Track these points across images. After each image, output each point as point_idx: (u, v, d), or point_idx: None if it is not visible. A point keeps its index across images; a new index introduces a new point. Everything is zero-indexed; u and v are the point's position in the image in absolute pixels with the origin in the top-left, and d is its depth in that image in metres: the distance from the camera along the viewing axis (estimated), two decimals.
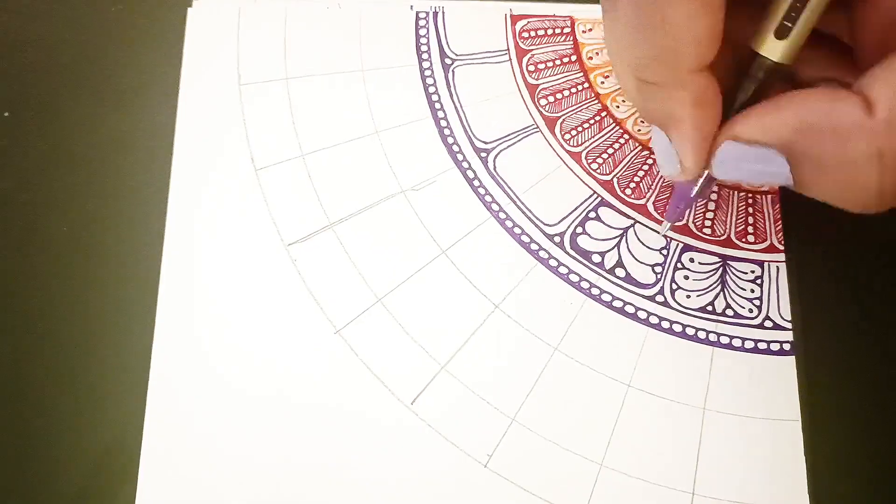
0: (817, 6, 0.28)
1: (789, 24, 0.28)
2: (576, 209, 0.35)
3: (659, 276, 0.33)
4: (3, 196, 0.34)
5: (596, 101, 0.36)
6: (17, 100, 0.36)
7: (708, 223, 0.34)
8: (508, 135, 0.36)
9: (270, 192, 0.34)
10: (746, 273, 0.33)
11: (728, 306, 0.33)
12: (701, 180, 0.30)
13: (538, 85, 0.36)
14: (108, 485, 0.31)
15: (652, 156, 0.35)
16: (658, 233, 0.34)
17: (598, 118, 0.36)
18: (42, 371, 0.32)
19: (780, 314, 0.33)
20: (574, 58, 0.37)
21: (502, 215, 0.34)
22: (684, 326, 0.33)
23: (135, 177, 0.35)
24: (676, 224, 0.34)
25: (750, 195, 0.34)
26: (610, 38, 0.30)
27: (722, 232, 0.34)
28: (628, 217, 0.34)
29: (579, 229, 0.34)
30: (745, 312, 0.33)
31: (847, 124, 0.27)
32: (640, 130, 0.36)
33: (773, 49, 0.28)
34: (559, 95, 0.36)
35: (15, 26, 0.37)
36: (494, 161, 0.35)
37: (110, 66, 0.36)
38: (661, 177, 0.35)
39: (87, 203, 0.34)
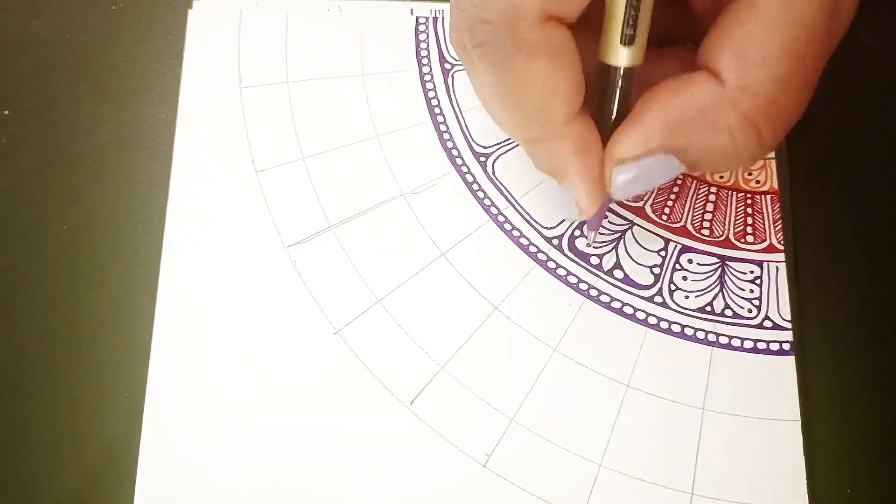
0: (647, 8, 0.28)
1: (631, 31, 0.28)
2: None
3: (657, 276, 0.34)
4: (3, 196, 0.34)
5: None
6: (17, 99, 0.36)
7: (706, 224, 0.34)
8: (507, 139, 0.36)
9: (271, 193, 0.35)
10: (745, 273, 0.34)
11: (727, 306, 0.33)
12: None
13: None
14: (107, 485, 0.31)
15: None
16: (654, 233, 0.34)
17: None
18: (42, 371, 0.32)
19: (779, 314, 0.33)
20: None
21: (501, 218, 0.35)
22: (683, 327, 0.33)
23: (135, 177, 0.35)
24: (672, 225, 0.34)
25: (749, 196, 0.35)
26: (481, 99, 0.31)
27: (721, 233, 0.34)
28: (626, 219, 0.34)
29: (577, 232, 0.34)
30: (744, 312, 0.33)
31: (708, 103, 0.28)
32: None
33: (622, 56, 0.29)
34: None
35: (15, 26, 0.37)
36: (493, 165, 0.35)
37: (110, 66, 0.36)
38: None
39: (87, 203, 0.34)
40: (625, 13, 0.28)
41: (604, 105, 0.30)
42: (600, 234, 0.34)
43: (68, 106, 0.36)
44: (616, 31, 0.28)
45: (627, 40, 0.28)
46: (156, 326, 0.33)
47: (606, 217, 0.34)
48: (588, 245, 0.34)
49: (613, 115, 0.30)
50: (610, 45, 0.29)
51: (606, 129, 0.30)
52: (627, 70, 0.29)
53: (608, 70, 0.29)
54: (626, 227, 0.34)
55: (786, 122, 0.29)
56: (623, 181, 0.30)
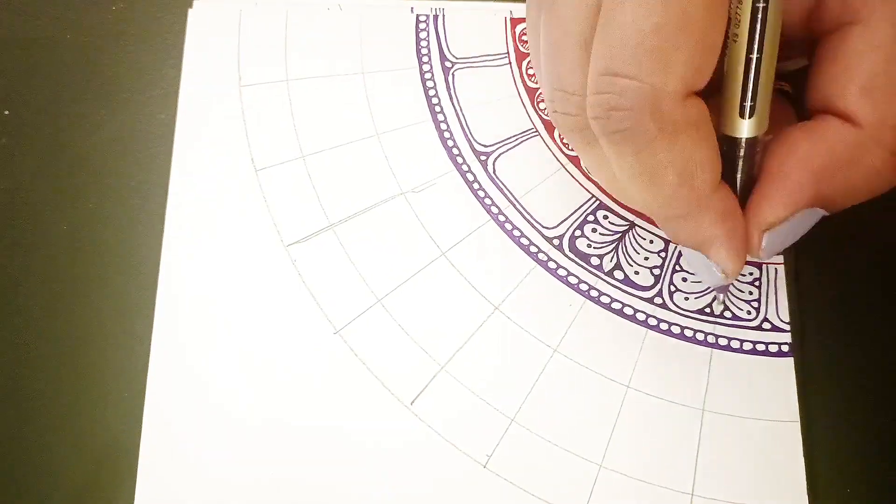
0: (768, 76, 0.27)
1: (751, 103, 0.28)
2: (574, 212, 0.35)
3: (658, 278, 0.34)
4: (3, 196, 0.34)
5: None
6: (18, 99, 0.36)
7: None
8: (508, 138, 0.36)
9: (270, 192, 0.35)
10: (745, 275, 0.34)
11: (726, 308, 0.33)
12: None
13: (538, 88, 0.36)
14: (108, 485, 0.31)
15: None
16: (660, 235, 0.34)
17: None
18: (42, 371, 0.32)
19: (778, 316, 0.33)
20: None
21: (501, 218, 0.35)
22: (683, 328, 0.33)
23: (135, 177, 0.35)
24: None
25: None
26: (607, 183, 0.30)
27: None
28: (626, 220, 0.34)
29: (578, 232, 0.34)
30: (743, 314, 0.33)
31: (851, 150, 0.28)
32: None
33: (743, 127, 0.28)
34: None
35: (15, 26, 0.37)
36: (494, 164, 0.35)
37: (110, 66, 0.36)
38: None
39: (87, 203, 0.34)
40: (742, 85, 0.27)
41: (729, 170, 0.29)
42: (600, 234, 0.34)
43: (68, 106, 0.36)
44: (735, 104, 0.28)
45: (746, 113, 0.28)
46: (156, 326, 0.33)
47: (608, 219, 0.34)
48: (718, 313, 0.33)
49: (739, 181, 0.29)
50: (729, 114, 0.28)
51: (736, 192, 0.29)
52: (750, 140, 0.28)
53: (732, 141, 0.29)
54: (627, 227, 0.34)
55: None
56: (774, 243, 0.29)
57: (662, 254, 0.34)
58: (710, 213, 0.28)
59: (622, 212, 0.34)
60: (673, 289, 0.33)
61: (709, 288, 0.33)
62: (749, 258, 0.30)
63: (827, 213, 0.29)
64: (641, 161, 0.27)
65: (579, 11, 0.27)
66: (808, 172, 0.28)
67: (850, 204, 0.30)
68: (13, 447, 0.31)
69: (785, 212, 0.29)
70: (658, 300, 0.33)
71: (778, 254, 0.31)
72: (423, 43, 0.37)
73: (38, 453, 0.31)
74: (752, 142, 0.29)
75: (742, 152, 0.29)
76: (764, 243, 0.29)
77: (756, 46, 0.27)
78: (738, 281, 0.33)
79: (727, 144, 0.29)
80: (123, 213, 0.34)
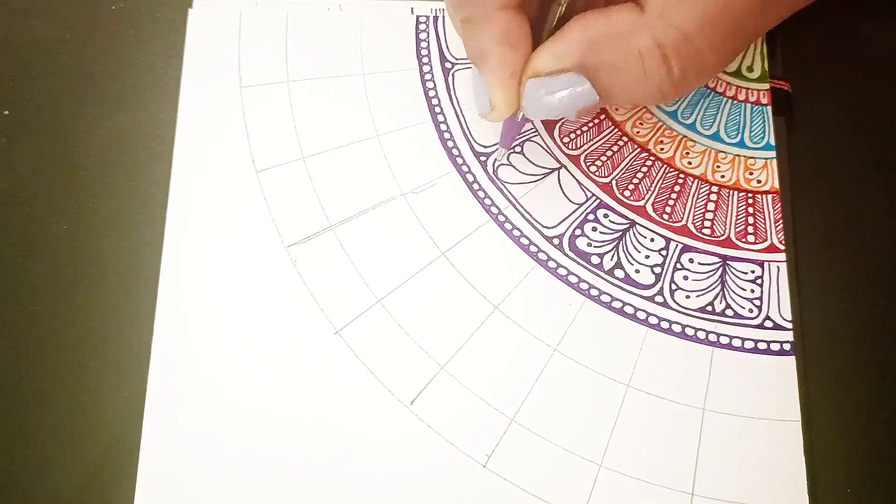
0: None
1: None
2: (574, 212, 0.35)
3: (658, 276, 0.34)
4: (3, 196, 0.34)
5: None
6: (17, 99, 0.36)
7: (707, 223, 0.34)
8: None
9: (271, 193, 0.35)
10: (746, 273, 0.33)
11: (728, 306, 0.33)
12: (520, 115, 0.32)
13: None
14: (107, 485, 0.31)
15: (651, 157, 0.35)
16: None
17: (597, 120, 0.36)
18: (42, 371, 0.32)
19: (780, 314, 0.33)
20: None
21: (501, 218, 0.34)
22: (684, 327, 0.33)
23: (135, 177, 0.35)
24: (673, 224, 0.34)
25: (750, 195, 0.35)
26: None
27: (722, 232, 0.34)
28: (627, 218, 0.34)
29: (578, 231, 0.34)
30: (745, 312, 0.33)
31: (626, 26, 0.30)
32: (638, 132, 0.36)
33: None
34: None
35: (15, 26, 0.37)
36: (494, 164, 0.35)
37: (110, 66, 0.36)
38: (660, 178, 0.35)
39: (87, 203, 0.34)
40: None
41: (543, 21, 0.31)
42: (601, 233, 0.34)
43: (68, 106, 0.36)
44: None
45: None
46: (156, 326, 0.33)
47: (608, 217, 0.34)
48: (494, 162, 0.35)
49: (544, 33, 0.31)
50: None
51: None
52: None
53: None
54: (627, 226, 0.34)
55: (698, 66, 0.30)
56: (535, 95, 0.31)
57: (663, 252, 0.34)
58: (492, 27, 0.30)
59: (623, 210, 0.34)
60: (674, 287, 0.33)
61: (708, 288, 0.33)
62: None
63: (597, 99, 0.31)
64: None
65: None
66: (582, 35, 0.30)
67: (618, 96, 0.31)
68: (13, 447, 0.31)
69: (551, 64, 0.30)
70: (659, 298, 0.33)
71: (542, 119, 0.33)
72: (424, 44, 0.37)
73: (38, 453, 0.31)
74: None
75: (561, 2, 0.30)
76: (527, 91, 0.31)
77: None
78: (740, 279, 0.33)
79: None
80: (124, 213, 0.34)
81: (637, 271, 0.34)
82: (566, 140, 0.36)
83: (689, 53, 0.30)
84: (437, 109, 0.36)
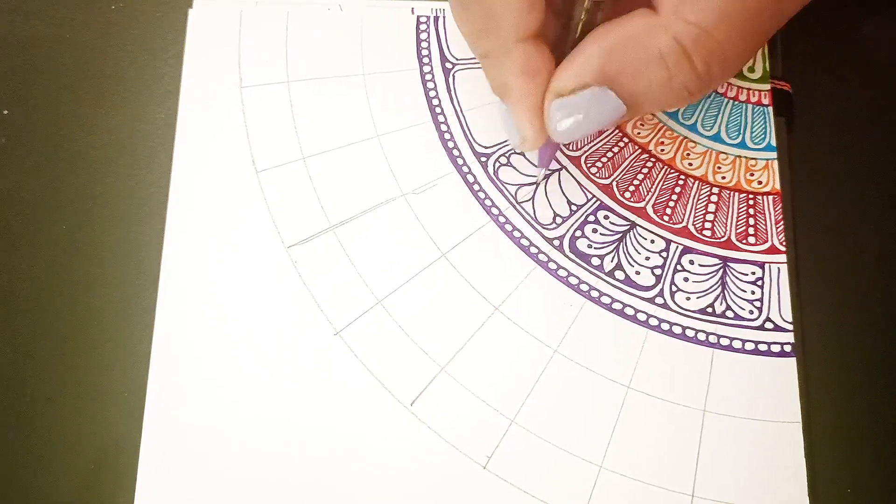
0: None
1: None
2: (575, 213, 0.35)
3: (659, 278, 0.34)
4: (3, 196, 0.34)
5: None
6: (17, 99, 0.36)
7: (708, 225, 0.34)
8: (508, 139, 0.36)
9: (271, 194, 0.34)
10: (747, 274, 0.33)
11: (728, 308, 0.33)
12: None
13: None
14: (107, 485, 0.31)
15: (652, 158, 0.35)
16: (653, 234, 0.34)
17: None
18: (42, 371, 0.32)
19: (780, 316, 0.33)
20: None
21: (502, 219, 0.34)
22: (684, 328, 0.33)
23: (135, 177, 0.35)
24: (674, 226, 0.34)
25: (751, 197, 0.35)
26: (452, 15, 0.32)
27: (722, 233, 0.34)
28: (627, 220, 0.34)
29: (578, 233, 0.34)
30: (745, 314, 0.33)
31: (642, 28, 0.29)
32: (639, 133, 0.36)
33: None
34: None
35: (15, 26, 0.37)
36: (494, 165, 0.35)
37: (110, 65, 0.36)
38: (661, 179, 0.35)
39: (87, 203, 0.34)
40: None
41: (566, 44, 0.30)
42: (601, 234, 0.34)
43: (68, 106, 0.36)
44: None
45: None
46: (156, 326, 0.33)
47: (609, 218, 0.34)
48: (535, 185, 0.34)
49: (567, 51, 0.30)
50: None
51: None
52: (593, 5, 0.30)
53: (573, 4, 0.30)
54: (628, 227, 0.34)
55: (720, 59, 0.29)
56: (560, 116, 0.30)
57: (664, 253, 0.34)
58: (511, 61, 0.30)
59: (623, 212, 0.34)
60: (674, 289, 0.33)
61: (708, 290, 0.33)
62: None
63: (625, 110, 0.30)
64: None
65: None
66: (599, 46, 0.29)
67: (647, 103, 0.30)
68: (13, 447, 0.31)
69: (571, 82, 0.30)
70: (659, 300, 0.33)
71: (574, 140, 0.31)
72: (424, 44, 0.37)
73: (38, 453, 0.31)
74: (593, 9, 0.30)
75: (581, 16, 0.30)
76: (552, 115, 0.30)
77: None
78: (741, 280, 0.33)
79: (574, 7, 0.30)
80: (123, 213, 0.34)
81: (637, 273, 0.34)
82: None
83: (709, 46, 0.29)
84: (438, 110, 0.36)
